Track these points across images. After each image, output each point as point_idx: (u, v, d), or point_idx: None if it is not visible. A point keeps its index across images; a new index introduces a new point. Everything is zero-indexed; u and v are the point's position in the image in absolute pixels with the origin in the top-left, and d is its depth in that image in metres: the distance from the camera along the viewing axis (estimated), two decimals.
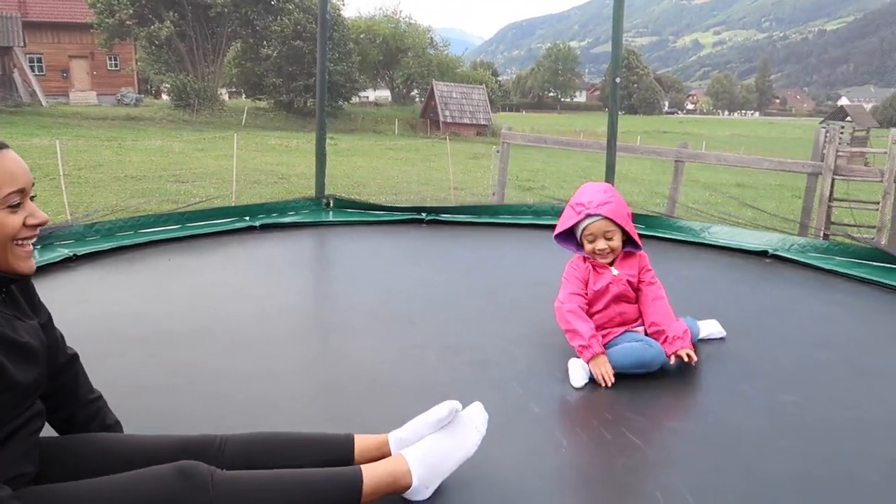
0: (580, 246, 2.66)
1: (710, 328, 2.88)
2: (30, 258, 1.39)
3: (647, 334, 2.58)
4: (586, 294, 2.61)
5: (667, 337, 2.49)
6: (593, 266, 2.63)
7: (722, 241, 4.83)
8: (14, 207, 1.33)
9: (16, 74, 28.77)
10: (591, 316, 2.58)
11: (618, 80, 5.56)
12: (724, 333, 2.87)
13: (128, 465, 1.49)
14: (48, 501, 1.33)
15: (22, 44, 29.52)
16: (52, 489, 1.37)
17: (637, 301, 2.65)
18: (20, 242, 1.35)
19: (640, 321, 2.64)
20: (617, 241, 2.58)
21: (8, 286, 1.41)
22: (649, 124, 47.58)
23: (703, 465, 1.97)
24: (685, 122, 60.24)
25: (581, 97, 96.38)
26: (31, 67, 32.10)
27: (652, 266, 2.71)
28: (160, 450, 1.57)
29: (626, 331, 2.59)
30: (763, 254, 4.53)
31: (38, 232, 1.38)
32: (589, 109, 78.85)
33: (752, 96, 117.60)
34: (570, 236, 2.71)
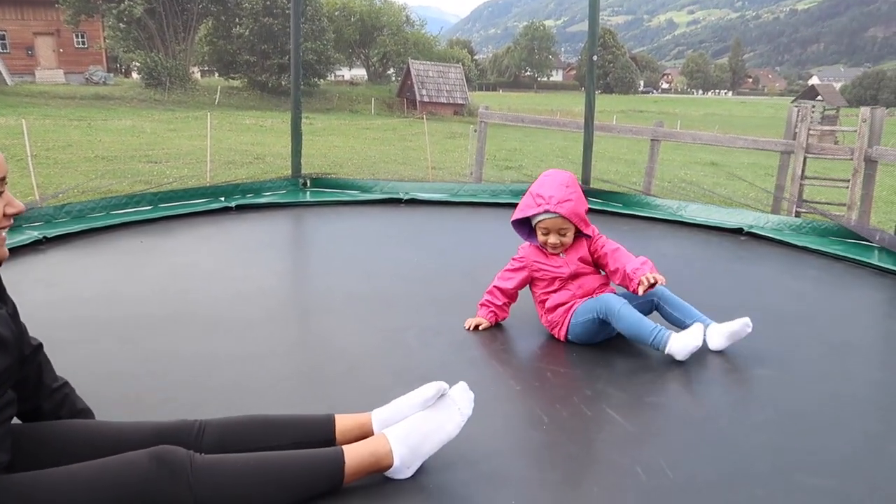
0: (533, 232, 2.71)
1: (733, 329, 2.55)
2: (3, 245, 1.37)
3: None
4: (514, 281, 2.78)
5: (626, 273, 2.54)
6: (543, 252, 2.70)
7: (698, 220, 4.87)
8: None
9: None
10: (552, 293, 2.68)
11: (595, 58, 5.55)
12: (749, 329, 2.55)
13: (100, 452, 1.46)
14: (22, 489, 1.31)
15: None
16: (26, 477, 1.34)
17: (601, 270, 2.73)
18: None
19: (603, 288, 2.70)
20: (569, 237, 2.63)
21: None
22: (625, 103, 47.75)
23: (681, 440, 1.99)
24: (660, 102, 60.57)
25: (557, 76, 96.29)
26: None
27: (631, 243, 2.75)
28: (136, 436, 1.54)
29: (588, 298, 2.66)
30: (738, 231, 4.58)
31: (12, 221, 1.37)
32: (565, 89, 78.86)
33: (725, 76, 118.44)
34: (525, 221, 2.75)
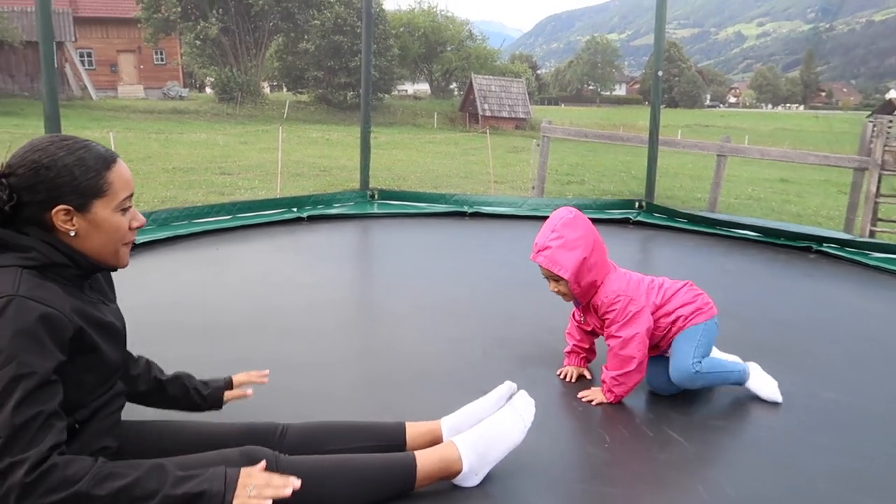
0: None
1: (764, 385, 2.42)
2: (127, 255, 1.51)
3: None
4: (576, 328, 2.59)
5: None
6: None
7: (765, 237, 4.79)
8: (124, 210, 1.45)
9: (67, 69, 29.65)
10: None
11: (660, 73, 5.54)
12: (779, 399, 2.38)
13: (194, 448, 1.60)
14: None
15: (73, 39, 30.41)
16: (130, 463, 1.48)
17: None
18: (125, 243, 1.48)
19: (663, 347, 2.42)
20: (563, 288, 2.37)
21: (94, 274, 1.52)
22: (690, 118, 46.73)
23: (743, 460, 2.00)
24: (727, 116, 58.99)
25: (621, 90, 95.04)
26: (82, 62, 33.04)
27: (695, 259, 2.65)
28: (227, 435, 1.68)
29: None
30: (807, 249, 4.49)
31: (136, 235, 1.51)
32: (629, 103, 77.77)
33: (796, 89, 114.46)
34: None
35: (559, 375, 2.53)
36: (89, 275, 1.48)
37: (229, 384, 1.94)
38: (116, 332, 1.50)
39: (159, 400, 1.83)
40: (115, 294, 1.65)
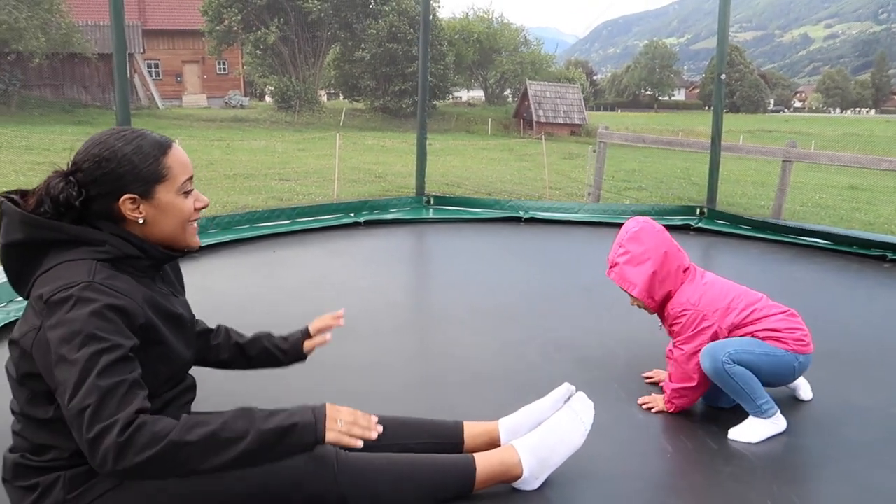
0: None
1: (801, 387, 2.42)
2: (196, 234, 1.55)
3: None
4: None
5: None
6: None
7: (836, 245, 4.60)
8: (186, 193, 1.49)
9: (136, 79, 30.92)
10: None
11: (723, 76, 5.40)
12: (809, 397, 2.39)
13: None
14: None
15: (142, 50, 31.73)
16: None
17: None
18: (191, 222, 1.52)
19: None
20: (639, 303, 2.31)
21: (164, 265, 1.56)
22: (753, 123, 45.40)
23: (813, 477, 1.92)
24: (791, 121, 57.03)
25: (679, 95, 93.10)
26: (149, 72, 34.40)
27: (760, 267, 2.56)
28: None
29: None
30: (882, 258, 4.28)
31: (200, 214, 1.54)
32: (688, 108, 76.06)
33: (867, 93, 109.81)
34: None
35: (641, 404, 2.34)
36: (160, 266, 1.53)
37: (307, 334, 1.94)
38: (186, 324, 1.54)
39: (244, 363, 1.88)
40: (183, 287, 1.69)
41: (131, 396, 1.24)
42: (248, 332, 2.84)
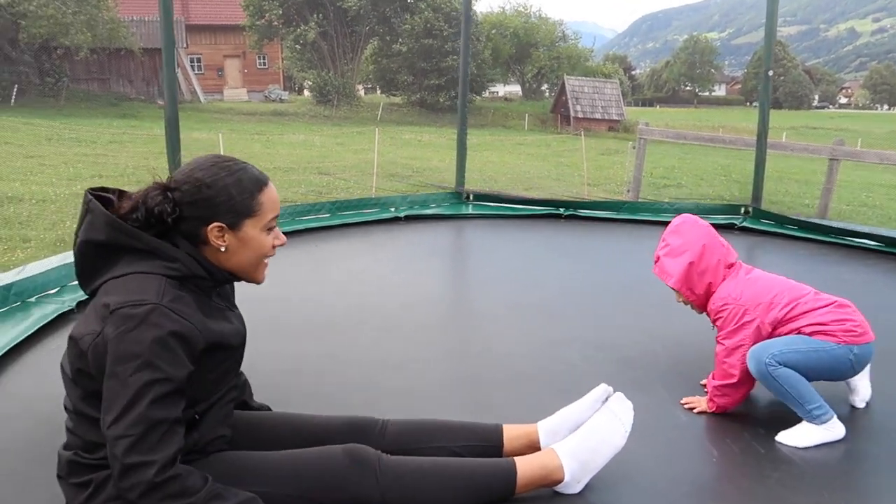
0: None
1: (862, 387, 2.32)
2: (265, 270, 1.59)
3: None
4: None
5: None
6: None
7: (887, 246, 4.47)
8: (269, 230, 1.53)
9: (179, 73, 31.51)
10: None
11: (770, 73, 5.28)
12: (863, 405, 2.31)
13: (303, 439, 1.68)
14: (238, 466, 1.53)
15: (185, 45, 32.34)
16: (242, 456, 1.56)
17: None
18: (266, 259, 1.56)
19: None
20: (682, 299, 2.33)
21: (224, 284, 1.60)
22: (796, 119, 44.22)
23: (868, 485, 1.87)
24: (837, 118, 55.41)
25: (720, 91, 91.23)
26: (192, 67, 35.04)
27: (806, 266, 2.48)
28: (331, 428, 1.73)
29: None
30: None
31: (275, 252, 1.58)
32: (728, 104, 74.53)
33: None
34: None
35: (683, 404, 2.31)
36: (220, 285, 1.57)
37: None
38: (239, 338, 1.57)
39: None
40: (234, 300, 1.73)
41: (171, 435, 1.32)
42: (286, 330, 2.90)
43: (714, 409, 2.23)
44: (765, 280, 2.25)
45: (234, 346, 1.53)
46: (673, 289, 2.32)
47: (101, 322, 1.34)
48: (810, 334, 2.09)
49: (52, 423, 1.50)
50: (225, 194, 1.44)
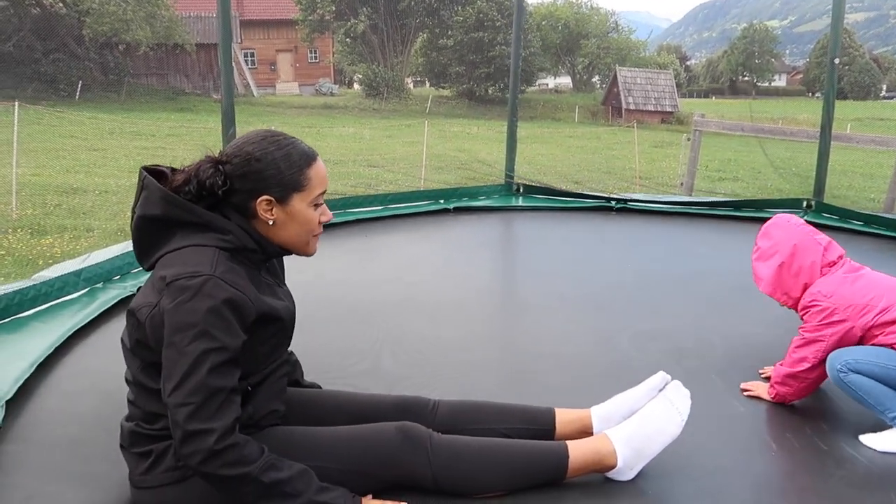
0: None
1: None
2: (316, 244, 1.61)
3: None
4: None
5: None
6: None
7: None
8: (317, 206, 1.55)
9: (233, 68, 32.21)
10: None
11: (836, 60, 5.07)
12: None
13: (351, 417, 1.70)
14: (293, 439, 1.55)
15: (239, 40, 33.03)
16: (297, 430, 1.59)
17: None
18: (314, 234, 1.58)
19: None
20: (783, 302, 2.22)
21: (273, 258, 1.63)
22: (862, 110, 42.40)
23: None
24: None
25: (780, 81, 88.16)
26: (246, 61, 35.78)
27: (872, 264, 2.29)
28: (383, 407, 1.75)
29: None
30: None
31: (323, 229, 1.60)
32: (788, 94, 72.01)
33: None
34: None
35: (742, 390, 2.27)
36: (269, 259, 1.60)
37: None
38: (288, 313, 1.60)
39: None
40: (284, 278, 1.76)
41: (229, 404, 1.36)
42: (339, 317, 2.94)
43: (773, 398, 2.16)
44: (866, 280, 2.08)
45: (283, 320, 1.55)
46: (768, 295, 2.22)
47: (158, 294, 1.39)
48: None
49: (115, 397, 1.56)
50: (274, 168, 1.47)
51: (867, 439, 1.97)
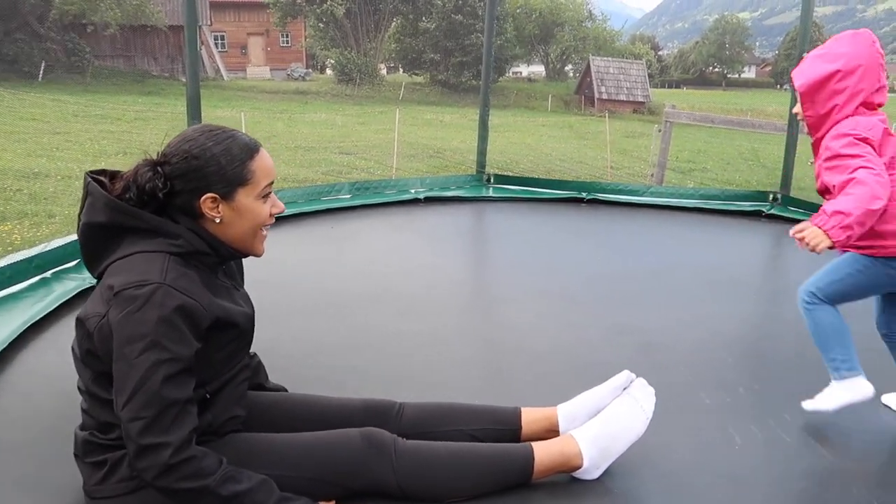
0: None
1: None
2: (263, 242, 1.55)
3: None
4: None
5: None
6: None
7: None
8: (265, 197, 1.50)
9: (203, 51, 31.58)
10: None
11: (805, 55, 5.12)
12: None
13: (319, 422, 1.66)
14: (254, 447, 1.52)
15: (209, 23, 32.40)
16: (258, 437, 1.55)
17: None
18: (263, 227, 1.52)
19: None
20: (799, 110, 2.00)
21: (230, 261, 1.58)
22: None
23: None
24: None
25: (750, 73, 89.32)
26: (216, 44, 35.12)
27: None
28: (347, 410, 1.72)
29: None
30: None
31: (274, 220, 1.54)
32: (758, 86, 73.03)
33: None
34: None
35: (793, 235, 1.86)
36: (225, 262, 1.54)
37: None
38: (245, 318, 1.55)
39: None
40: (243, 280, 1.71)
41: (185, 415, 1.32)
42: (305, 312, 2.88)
43: (834, 236, 1.74)
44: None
45: (240, 326, 1.51)
46: (797, 93, 1.97)
47: (106, 304, 1.33)
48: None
49: (74, 398, 1.50)
50: (214, 164, 1.41)
51: (807, 405, 2.01)
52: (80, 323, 1.40)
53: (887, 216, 1.83)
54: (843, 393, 1.96)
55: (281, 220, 4.35)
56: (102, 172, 1.47)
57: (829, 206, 1.79)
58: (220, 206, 1.44)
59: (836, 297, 1.96)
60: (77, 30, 25.20)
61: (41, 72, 23.31)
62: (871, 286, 1.97)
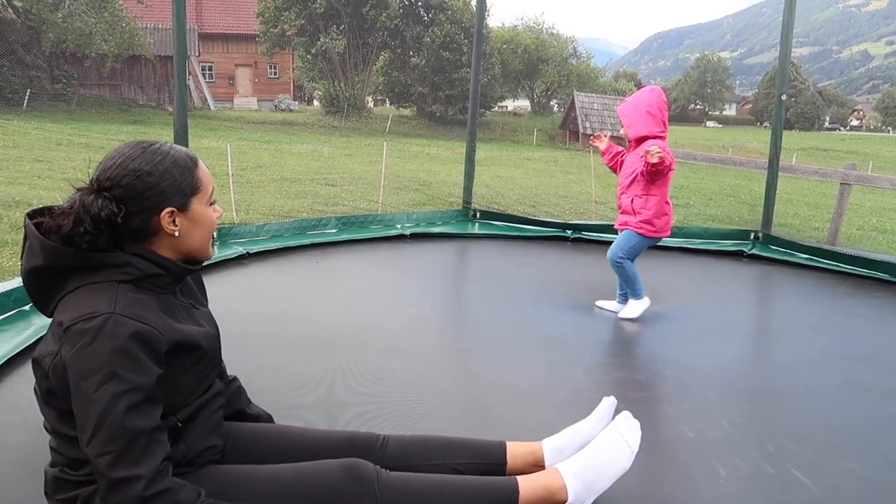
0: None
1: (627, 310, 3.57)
2: (210, 247, 1.56)
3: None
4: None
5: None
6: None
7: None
8: (211, 204, 1.52)
9: (190, 81, 31.73)
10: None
11: (784, 97, 5.25)
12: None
13: (301, 453, 1.64)
14: (233, 480, 1.49)
15: (197, 53, 32.60)
16: (237, 469, 1.52)
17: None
18: (213, 232, 1.54)
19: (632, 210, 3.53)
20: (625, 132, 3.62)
21: (185, 277, 1.55)
22: (807, 140, 44.05)
23: None
24: (848, 140, 55.22)
25: (730, 110, 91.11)
26: (204, 74, 35.30)
27: (819, 300, 2.48)
28: (330, 442, 1.69)
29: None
30: None
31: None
32: (738, 124, 74.46)
33: None
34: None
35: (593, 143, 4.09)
36: (180, 280, 1.52)
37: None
38: (208, 339, 1.52)
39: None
40: (206, 298, 1.68)
41: (155, 445, 1.27)
42: (289, 346, 2.86)
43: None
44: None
45: (203, 347, 1.47)
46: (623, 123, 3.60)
47: (58, 342, 1.29)
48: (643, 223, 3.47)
49: (46, 434, 1.47)
50: (168, 177, 1.40)
51: (623, 314, 3.50)
52: (35, 364, 1.35)
53: (656, 212, 3.44)
54: (641, 305, 3.47)
55: (267, 254, 4.35)
56: (42, 212, 1.42)
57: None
58: (177, 218, 1.42)
59: (630, 254, 3.48)
60: (70, 61, 25.21)
61: (26, 99, 23.24)
62: (640, 249, 3.51)
